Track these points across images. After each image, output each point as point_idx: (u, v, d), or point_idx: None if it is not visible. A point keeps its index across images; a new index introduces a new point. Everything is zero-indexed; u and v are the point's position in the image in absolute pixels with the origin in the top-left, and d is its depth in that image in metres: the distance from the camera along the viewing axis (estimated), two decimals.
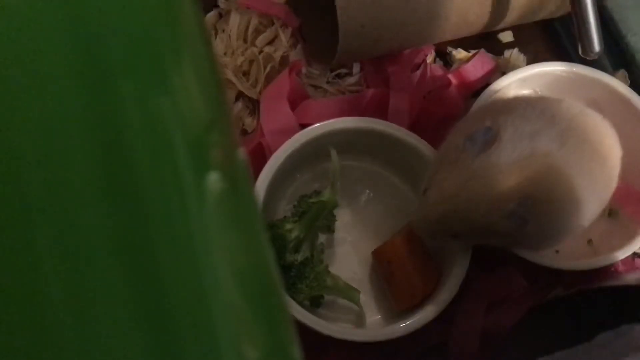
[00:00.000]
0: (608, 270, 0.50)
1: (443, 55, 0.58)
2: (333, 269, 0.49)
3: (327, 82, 0.56)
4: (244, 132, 0.55)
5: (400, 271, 0.47)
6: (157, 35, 0.23)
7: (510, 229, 0.42)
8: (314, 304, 0.48)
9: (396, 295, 0.48)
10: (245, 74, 0.56)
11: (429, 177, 0.45)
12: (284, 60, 0.55)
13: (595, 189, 0.44)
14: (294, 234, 0.47)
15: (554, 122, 0.43)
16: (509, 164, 0.41)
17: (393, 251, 0.48)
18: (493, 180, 0.41)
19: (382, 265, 0.49)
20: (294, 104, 0.53)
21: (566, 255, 0.51)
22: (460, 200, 0.42)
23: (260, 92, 0.54)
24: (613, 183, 0.46)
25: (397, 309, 0.48)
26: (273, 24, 0.56)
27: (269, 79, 0.54)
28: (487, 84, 0.52)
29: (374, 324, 0.49)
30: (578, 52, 0.50)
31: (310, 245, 0.49)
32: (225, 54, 0.56)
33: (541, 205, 0.41)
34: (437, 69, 0.57)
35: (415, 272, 0.47)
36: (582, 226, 0.45)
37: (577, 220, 0.44)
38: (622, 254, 0.48)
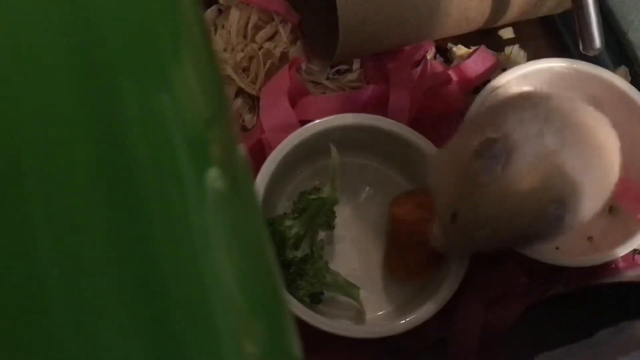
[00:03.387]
0: (608, 267, 0.50)
1: (443, 52, 0.58)
2: (333, 266, 0.49)
3: (327, 79, 0.56)
4: (244, 128, 0.55)
5: (413, 248, 0.48)
6: (157, 32, 0.23)
7: (550, 229, 0.42)
8: (314, 300, 0.48)
9: (394, 260, 0.49)
10: (245, 70, 0.56)
11: (453, 202, 0.43)
12: (283, 56, 0.55)
13: (594, 183, 0.44)
14: (294, 231, 0.47)
15: (550, 120, 0.42)
16: (530, 168, 0.41)
17: (415, 228, 0.47)
18: (521, 189, 0.40)
19: (395, 226, 0.49)
20: (293, 101, 0.53)
21: (567, 251, 0.51)
22: (502, 219, 0.41)
23: (260, 89, 0.54)
24: (613, 175, 0.45)
25: (388, 270, 0.50)
26: (273, 20, 0.56)
27: (268, 75, 0.54)
28: (488, 81, 0.52)
29: (374, 321, 0.49)
30: (579, 49, 0.50)
31: (310, 242, 0.49)
32: (224, 50, 0.56)
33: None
34: (437, 65, 0.57)
35: (426, 255, 0.47)
36: (582, 221, 0.44)
37: (577, 214, 0.43)
38: (623, 251, 0.48)
